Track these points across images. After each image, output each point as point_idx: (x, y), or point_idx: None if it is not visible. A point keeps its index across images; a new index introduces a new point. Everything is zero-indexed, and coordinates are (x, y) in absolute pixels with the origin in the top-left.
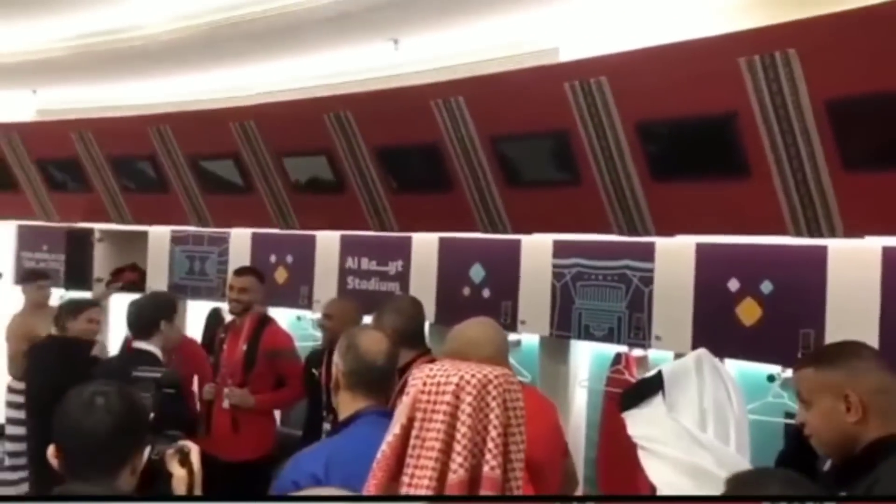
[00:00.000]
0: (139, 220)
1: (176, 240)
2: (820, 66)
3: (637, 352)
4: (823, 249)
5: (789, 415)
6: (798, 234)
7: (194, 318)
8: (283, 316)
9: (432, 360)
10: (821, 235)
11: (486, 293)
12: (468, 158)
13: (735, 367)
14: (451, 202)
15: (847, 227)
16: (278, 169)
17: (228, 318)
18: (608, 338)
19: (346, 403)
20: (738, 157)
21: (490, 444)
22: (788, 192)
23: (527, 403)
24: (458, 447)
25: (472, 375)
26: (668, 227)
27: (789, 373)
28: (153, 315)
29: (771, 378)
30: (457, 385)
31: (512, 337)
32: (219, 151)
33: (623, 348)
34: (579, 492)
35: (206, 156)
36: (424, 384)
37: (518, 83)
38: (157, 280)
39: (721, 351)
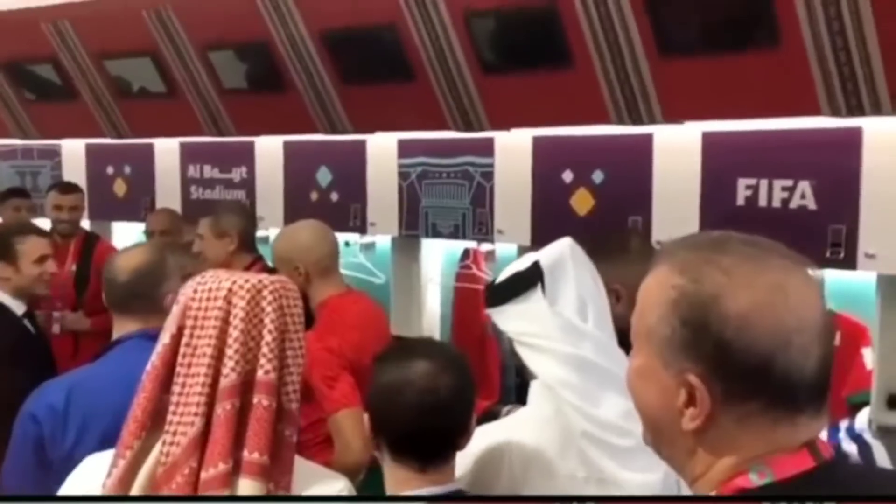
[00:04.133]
0: None
1: (3, 155)
2: None
3: (485, 246)
4: (649, 137)
5: None
6: (620, 121)
7: None
8: (127, 231)
9: (265, 268)
10: (641, 122)
11: (334, 196)
12: (299, 56)
13: None
14: (287, 103)
15: (666, 113)
16: (101, 72)
17: None
18: (454, 234)
19: (115, 326)
20: (560, 46)
21: (265, 349)
22: (610, 81)
23: (357, 311)
24: (229, 352)
25: (246, 281)
26: (502, 121)
27: None
28: None
29: None
30: (229, 290)
31: (366, 239)
32: (35, 55)
33: (471, 244)
34: None
35: (21, 59)
36: (195, 291)
37: None
38: None
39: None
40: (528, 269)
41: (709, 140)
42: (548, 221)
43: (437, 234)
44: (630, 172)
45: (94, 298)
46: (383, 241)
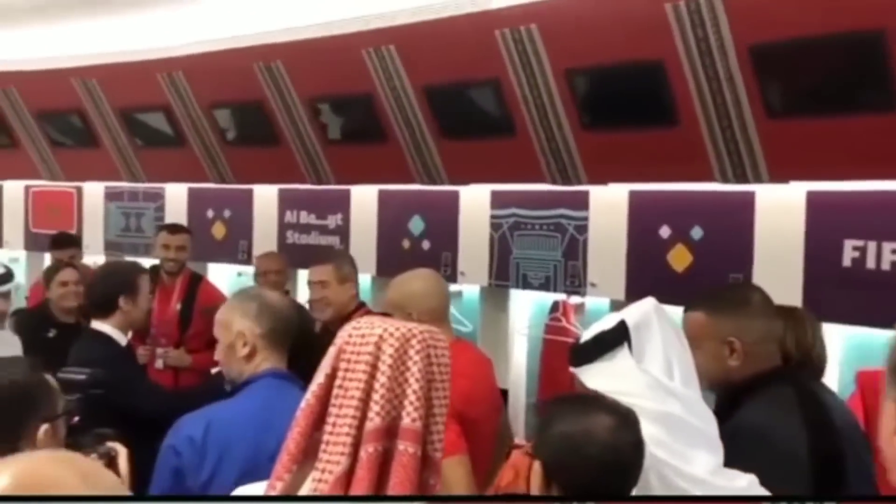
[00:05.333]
0: (71, 176)
1: (110, 196)
2: (743, 11)
3: (574, 299)
4: (751, 195)
5: None
6: (725, 180)
7: None
8: (221, 272)
9: (369, 312)
10: (746, 181)
11: (425, 245)
12: (402, 109)
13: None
14: (387, 153)
15: (772, 173)
16: (210, 121)
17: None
18: (545, 286)
19: (255, 364)
20: (665, 104)
21: (412, 397)
22: (715, 140)
23: (466, 360)
24: (376, 397)
25: (396, 329)
26: (600, 176)
27: None
28: (109, 291)
29: None
30: (379, 337)
31: (453, 287)
32: (148, 104)
33: (560, 296)
34: (517, 439)
35: (135, 108)
36: (350, 336)
37: (449, 31)
38: (93, 237)
39: (654, 296)
40: (614, 328)
41: (814, 199)
42: (643, 276)
43: (527, 285)
44: (730, 230)
45: (196, 337)
46: (470, 290)
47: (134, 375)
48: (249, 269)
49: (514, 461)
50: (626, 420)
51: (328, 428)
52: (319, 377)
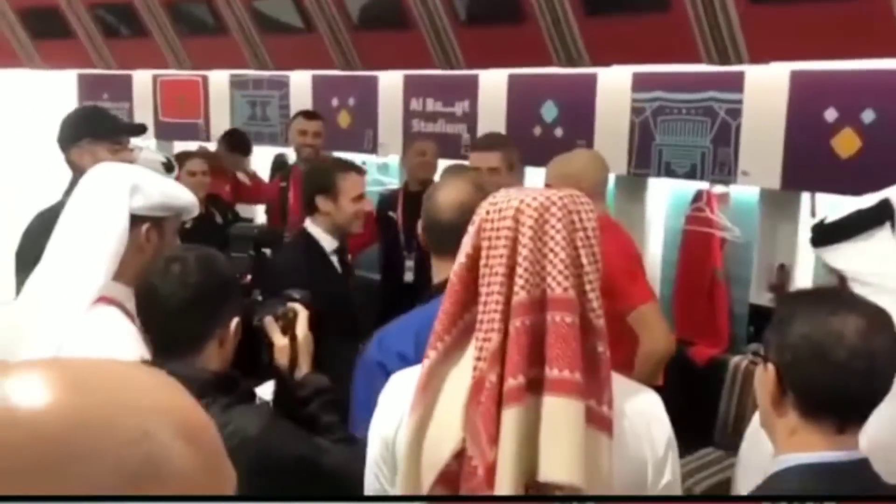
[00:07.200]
0: (198, 65)
1: (236, 84)
2: None
3: (718, 188)
4: None
5: None
6: None
7: (258, 164)
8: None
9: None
10: None
11: (558, 132)
12: None
13: (828, 202)
14: (524, 34)
15: None
16: (338, 5)
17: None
18: (691, 175)
19: (436, 267)
20: None
21: (559, 266)
22: None
23: (611, 236)
24: (519, 270)
25: (534, 199)
26: (764, 54)
27: None
28: (307, 191)
29: None
30: (516, 209)
31: None
32: None
33: (704, 185)
34: None
35: None
36: (487, 212)
37: None
38: (220, 126)
39: (815, 185)
40: (875, 206)
41: None
42: (803, 163)
43: (670, 173)
44: None
45: None
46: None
47: (327, 280)
48: (373, 159)
49: None
50: (879, 321)
51: (481, 307)
52: (461, 257)
